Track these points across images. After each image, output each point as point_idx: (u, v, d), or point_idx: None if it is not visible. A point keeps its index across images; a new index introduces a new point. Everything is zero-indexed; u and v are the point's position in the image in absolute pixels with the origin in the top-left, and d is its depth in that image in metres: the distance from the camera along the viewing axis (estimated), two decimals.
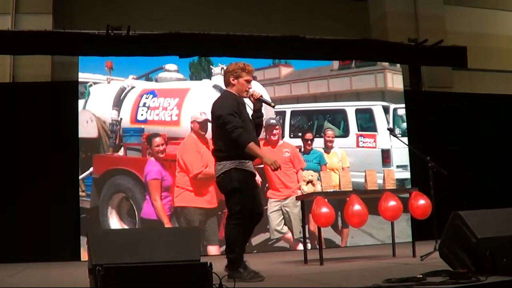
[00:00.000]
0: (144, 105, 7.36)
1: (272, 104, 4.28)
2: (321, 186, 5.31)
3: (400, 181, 7.78)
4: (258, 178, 4.66)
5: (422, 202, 5.18)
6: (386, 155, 7.98)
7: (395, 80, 8.42)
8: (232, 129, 3.98)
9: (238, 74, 4.20)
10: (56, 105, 7.20)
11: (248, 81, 4.22)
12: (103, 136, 7.24)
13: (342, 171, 7.12)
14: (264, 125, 4.42)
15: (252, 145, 3.98)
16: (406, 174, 8.08)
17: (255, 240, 7.12)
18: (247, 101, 4.34)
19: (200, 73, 7.70)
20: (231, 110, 4.05)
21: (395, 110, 8.23)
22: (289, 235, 7.25)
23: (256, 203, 4.15)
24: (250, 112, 4.33)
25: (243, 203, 4.02)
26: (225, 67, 7.58)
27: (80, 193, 7.05)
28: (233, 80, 4.22)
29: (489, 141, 8.53)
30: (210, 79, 7.62)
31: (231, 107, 4.07)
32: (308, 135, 7.58)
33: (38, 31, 6.95)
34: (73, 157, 7.09)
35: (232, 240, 4.04)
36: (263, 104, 4.31)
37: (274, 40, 7.62)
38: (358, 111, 8.07)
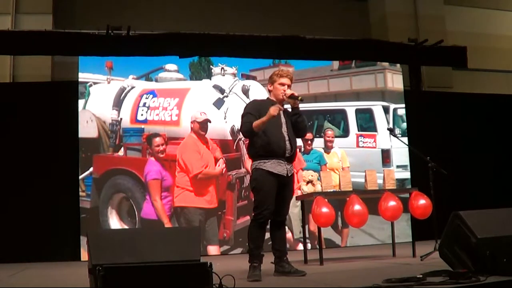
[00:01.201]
0: (144, 105, 7.36)
1: (299, 97, 4.25)
2: (321, 186, 5.31)
3: (400, 181, 7.78)
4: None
5: (422, 202, 5.18)
6: (386, 155, 7.98)
7: (395, 80, 8.42)
8: (241, 127, 4.21)
9: (273, 79, 4.35)
10: (56, 105, 7.20)
11: (282, 84, 4.30)
12: (103, 136, 7.24)
13: (342, 171, 7.12)
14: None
15: (255, 122, 4.06)
16: (406, 174, 8.08)
17: None
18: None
19: (200, 73, 7.70)
20: (246, 111, 4.24)
21: (395, 110, 8.23)
22: (289, 235, 7.24)
23: (276, 204, 4.15)
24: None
25: (257, 202, 4.13)
26: (225, 67, 7.65)
27: (80, 193, 7.05)
28: (270, 86, 4.39)
29: (489, 141, 8.53)
30: (210, 79, 7.62)
31: (247, 109, 4.25)
32: (308, 135, 7.56)
33: (38, 31, 6.95)
34: (73, 157, 7.09)
35: (248, 236, 4.19)
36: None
37: (274, 40, 7.62)
38: (358, 111, 8.08)
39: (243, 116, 4.24)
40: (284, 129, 4.23)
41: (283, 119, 4.27)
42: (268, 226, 4.28)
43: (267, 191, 4.10)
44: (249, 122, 4.11)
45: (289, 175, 4.23)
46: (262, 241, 4.19)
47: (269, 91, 4.40)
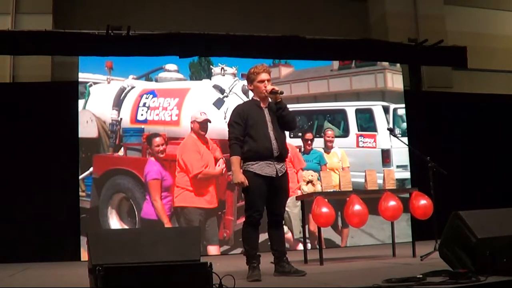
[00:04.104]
0: (144, 105, 7.36)
1: (279, 91, 4.19)
2: (321, 186, 5.31)
3: (400, 181, 7.78)
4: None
5: (423, 202, 5.17)
6: (386, 155, 7.98)
7: (395, 80, 8.42)
8: (229, 140, 4.18)
9: (251, 78, 4.29)
10: (56, 105, 7.20)
11: (262, 81, 4.24)
12: (103, 136, 7.24)
13: (342, 171, 7.11)
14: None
15: (232, 159, 4.12)
16: (406, 174, 8.08)
17: None
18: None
19: (200, 73, 7.70)
20: (231, 120, 4.21)
21: (395, 110, 8.23)
22: (289, 235, 7.25)
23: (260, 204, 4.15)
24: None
25: (247, 204, 4.18)
26: (225, 67, 7.64)
27: (80, 193, 7.05)
28: (250, 87, 4.33)
29: (489, 141, 8.53)
30: (210, 79, 7.62)
31: (232, 118, 4.22)
32: (308, 135, 7.58)
33: (38, 31, 6.94)
34: (73, 157, 7.09)
35: (242, 238, 4.27)
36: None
37: (274, 40, 7.62)
38: (358, 111, 8.08)
39: (229, 125, 4.22)
40: (270, 128, 4.18)
41: (268, 118, 4.22)
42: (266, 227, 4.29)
43: (255, 193, 4.11)
44: (234, 137, 4.12)
45: (279, 175, 4.18)
46: (256, 242, 4.20)
47: (251, 90, 4.35)
